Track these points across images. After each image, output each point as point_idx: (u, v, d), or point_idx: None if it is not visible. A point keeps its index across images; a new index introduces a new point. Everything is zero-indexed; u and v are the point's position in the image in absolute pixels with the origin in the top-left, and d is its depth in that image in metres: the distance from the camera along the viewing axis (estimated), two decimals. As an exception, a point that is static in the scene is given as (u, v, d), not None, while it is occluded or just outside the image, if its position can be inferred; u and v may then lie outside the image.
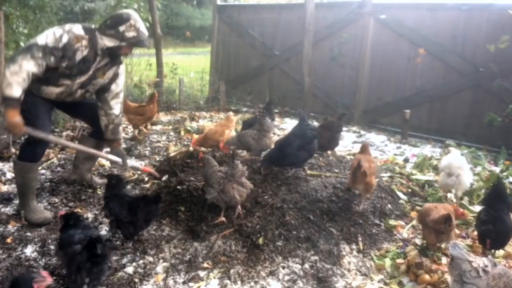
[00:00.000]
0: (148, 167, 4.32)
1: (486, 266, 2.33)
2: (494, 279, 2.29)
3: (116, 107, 3.63)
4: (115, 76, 3.54)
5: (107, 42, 3.26)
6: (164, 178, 4.01)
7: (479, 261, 2.36)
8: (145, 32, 3.37)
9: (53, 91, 3.30)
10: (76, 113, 3.97)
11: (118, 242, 3.16)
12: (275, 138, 6.05)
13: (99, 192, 3.99)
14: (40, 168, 4.54)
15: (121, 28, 3.25)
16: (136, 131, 6.07)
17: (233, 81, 9.22)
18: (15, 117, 3.02)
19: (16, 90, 2.96)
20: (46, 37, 3.07)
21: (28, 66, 2.99)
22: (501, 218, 2.96)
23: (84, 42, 3.20)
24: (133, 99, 6.44)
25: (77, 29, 3.20)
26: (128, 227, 3.02)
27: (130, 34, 3.27)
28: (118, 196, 3.09)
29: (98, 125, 3.70)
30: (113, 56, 3.39)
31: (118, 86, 3.60)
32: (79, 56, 3.20)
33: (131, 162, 3.81)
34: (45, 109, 3.40)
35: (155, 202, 3.08)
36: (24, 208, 3.44)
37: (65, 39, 3.11)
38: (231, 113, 5.17)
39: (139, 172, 4.37)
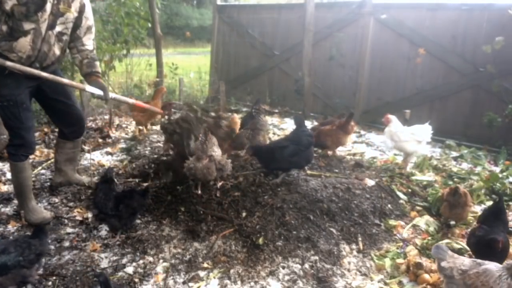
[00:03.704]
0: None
1: (465, 266, 2.38)
2: (470, 278, 2.32)
3: (89, 42, 3.50)
4: (82, 8, 3.36)
5: None
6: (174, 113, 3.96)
7: (459, 262, 2.42)
8: None
9: (24, 42, 3.08)
10: (52, 110, 3.74)
11: (118, 243, 3.16)
12: (275, 138, 6.09)
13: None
14: (40, 168, 4.55)
15: None
16: (137, 131, 6.07)
17: (233, 81, 9.22)
18: None
19: None
20: None
21: None
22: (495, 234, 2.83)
23: None
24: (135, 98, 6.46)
25: None
26: (112, 220, 3.14)
27: None
28: (105, 189, 3.20)
29: (72, 125, 3.73)
30: None
31: (89, 20, 3.46)
32: None
33: (116, 95, 3.57)
34: (27, 106, 3.29)
35: (143, 196, 3.19)
36: (23, 209, 3.44)
37: None
38: (235, 115, 5.21)
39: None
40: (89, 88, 3.43)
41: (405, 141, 4.61)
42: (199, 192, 3.52)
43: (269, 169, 3.93)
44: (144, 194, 3.24)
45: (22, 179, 3.40)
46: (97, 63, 3.57)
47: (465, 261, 2.44)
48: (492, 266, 2.33)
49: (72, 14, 3.29)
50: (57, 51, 3.32)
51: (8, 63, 3.06)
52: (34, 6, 3.03)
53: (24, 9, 3.00)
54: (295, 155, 3.75)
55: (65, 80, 3.38)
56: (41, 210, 3.51)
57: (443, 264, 2.48)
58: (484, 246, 2.78)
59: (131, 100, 3.89)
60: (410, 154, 4.69)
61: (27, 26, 3.07)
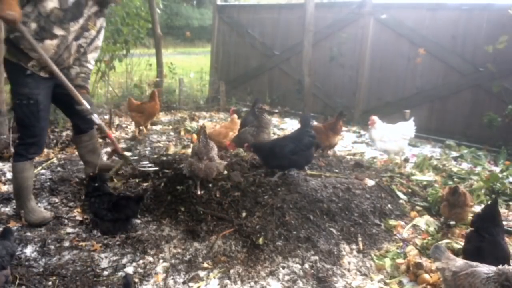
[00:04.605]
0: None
1: (456, 267, 2.41)
2: (459, 279, 2.35)
3: (92, 61, 3.70)
4: (100, 29, 3.59)
5: None
6: (125, 153, 4.22)
7: (452, 263, 2.45)
8: None
9: (49, 45, 3.21)
10: (66, 105, 3.81)
11: (118, 243, 3.16)
12: (274, 138, 6.09)
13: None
14: (40, 168, 4.55)
15: None
16: (137, 131, 6.07)
17: (233, 81, 9.22)
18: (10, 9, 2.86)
19: None
20: None
21: None
22: (498, 243, 2.73)
23: None
24: (134, 99, 6.47)
25: None
26: (106, 224, 3.20)
27: None
28: (100, 193, 3.26)
29: (87, 119, 3.78)
30: (102, 4, 3.44)
31: (99, 40, 3.66)
32: None
33: (98, 120, 3.76)
34: (45, 106, 3.39)
35: (137, 202, 3.24)
36: (23, 209, 3.44)
37: None
38: (235, 115, 5.22)
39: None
40: (83, 100, 3.54)
41: (395, 141, 4.85)
42: (199, 192, 3.52)
43: (270, 167, 3.93)
44: (138, 201, 3.28)
45: (21, 179, 3.39)
46: (89, 81, 3.77)
47: (458, 263, 2.44)
48: (484, 268, 2.32)
49: (94, 32, 3.51)
50: (71, 60, 3.50)
51: (40, 51, 3.12)
52: (71, 14, 3.22)
53: (62, 15, 3.17)
54: (295, 153, 3.75)
55: (70, 86, 3.46)
56: (41, 210, 3.51)
57: (437, 264, 2.52)
58: (491, 259, 2.60)
59: (106, 129, 3.94)
60: (398, 152, 4.93)
61: (58, 31, 3.21)
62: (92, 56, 3.66)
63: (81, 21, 3.31)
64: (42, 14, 3.10)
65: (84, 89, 3.63)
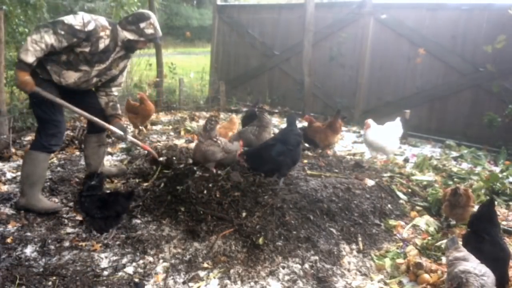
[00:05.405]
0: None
1: (453, 256, 2.49)
2: (450, 266, 2.46)
3: (115, 90, 3.98)
4: (123, 69, 3.86)
5: (128, 35, 3.56)
6: (161, 158, 4.33)
7: (455, 252, 2.52)
8: (160, 31, 3.72)
9: (72, 75, 3.51)
10: (81, 106, 3.99)
11: (118, 243, 3.17)
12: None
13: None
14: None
15: (142, 25, 3.58)
16: (136, 131, 6.08)
17: (233, 81, 9.22)
18: (25, 77, 3.27)
19: (30, 58, 3.21)
20: (74, 19, 3.30)
21: (49, 39, 3.20)
22: (498, 243, 2.68)
23: (107, 32, 3.47)
24: (133, 99, 6.47)
25: (103, 20, 3.51)
26: (98, 222, 3.20)
27: (149, 31, 3.61)
28: (93, 193, 3.26)
29: (100, 113, 3.92)
30: (129, 49, 3.71)
31: (123, 77, 3.98)
32: (101, 45, 3.45)
33: (133, 138, 4.15)
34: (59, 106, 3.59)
35: (127, 198, 3.27)
36: (32, 200, 3.52)
37: (91, 26, 3.36)
38: (234, 115, 5.23)
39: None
40: (114, 128, 3.83)
41: (391, 142, 5.04)
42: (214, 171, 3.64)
43: (262, 171, 3.80)
44: (129, 197, 3.30)
45: (40, 169, 3.55)
46: (119, 106, 4.03)
47: (459, 254, 2.49)
48: (470, 265, 2.35)
49: (116, 72, 3.80)
50: (87, 88, 3.78)
51: (59, 101, 3.50)
52: (98, 58, 3.51)
53: (90, 57, 3.48)
54: (282, 154, 3.70)
55: (95, 118, 3.75)
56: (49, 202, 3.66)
57: (446, 253, 2.60)
58: (491, 260, 2.56)
59: (141, 144, 4.27)
60: (395, 151, 5.18)
61: (83, 67, 3.52)
62: (116, 88, 3.95)
63: (107, 63, 3.60)
64: (74, 50, 3.39)
65: (116, 117, 3.92)
